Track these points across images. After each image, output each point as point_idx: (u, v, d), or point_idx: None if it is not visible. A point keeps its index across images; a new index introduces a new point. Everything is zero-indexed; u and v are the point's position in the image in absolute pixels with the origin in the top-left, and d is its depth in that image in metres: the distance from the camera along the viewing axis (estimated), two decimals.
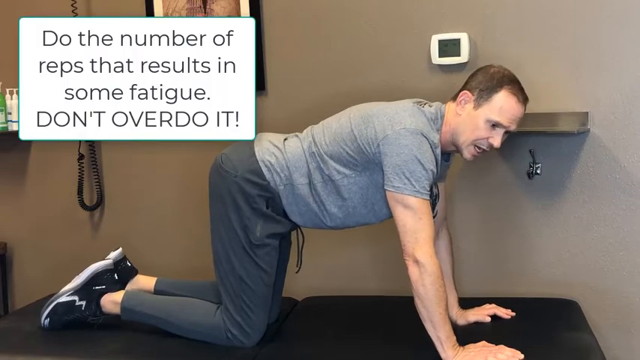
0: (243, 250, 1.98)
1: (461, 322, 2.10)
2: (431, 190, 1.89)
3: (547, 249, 2.47)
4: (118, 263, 2.25)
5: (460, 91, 1.97)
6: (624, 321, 2.41)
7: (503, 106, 1.91)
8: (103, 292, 2.16)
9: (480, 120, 1.91)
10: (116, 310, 2.13)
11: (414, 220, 1.82)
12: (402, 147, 1.83)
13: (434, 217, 1.97)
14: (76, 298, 2.14)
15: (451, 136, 1.95)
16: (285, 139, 2.06)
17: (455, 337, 1.84)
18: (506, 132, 1.95)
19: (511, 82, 1.93)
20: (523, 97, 1.95)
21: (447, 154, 2.05)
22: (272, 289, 2.05)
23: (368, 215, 2.01)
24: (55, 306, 2.13)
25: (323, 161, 1.96)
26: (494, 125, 1.92)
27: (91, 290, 2.15)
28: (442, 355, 1.82)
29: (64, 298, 2.14)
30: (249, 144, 2.07)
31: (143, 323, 2.12)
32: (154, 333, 2.08)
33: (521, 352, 1.82)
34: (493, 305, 2.14)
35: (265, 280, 2.01)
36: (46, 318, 2.14)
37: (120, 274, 2.22)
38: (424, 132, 1.86)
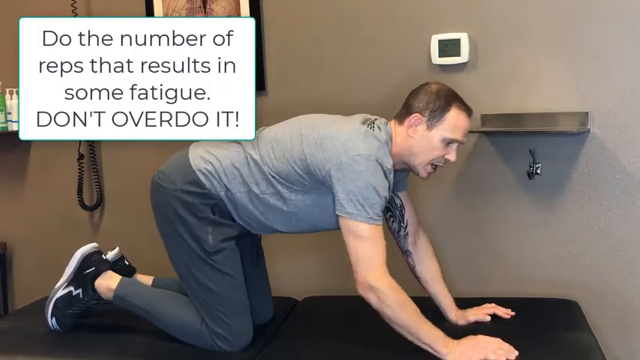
0: (201, 260, 1.96)
1: (461, 322, 2.10)
2: (388, 211, 1.94)
3: (547, 249, 2.47)
4: (116, 263, 2.24)
5: (406, 113, 1.97)
6: (624, 321, 2.42)
7: (456, 123, 1.94)
8: (95, 275, 2.14)
9: (435, 140, 1.94)
10: (109, 295, 2.12)
11: (366, 248, 1.82)
12: (356, 173, 1.82)
13: (405, 227, 2.02)
14: (71, 288, 2.14)
15: (403, 157, 1.96)
16: (223, 147, 2.03)
17: (442, 334, 1.83)
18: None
19: (456, 98, 1.97)
20: (469, 110, 1.99)
21: (401, 170, 2.04)
22: (245, 292, 2.02)
23: (311, 229, 2.03)
24: (54, 302, 2.13)
25: (269, 175, 1.94)
26: (450, 142, 1.95)
27: (82, 276, 2.14)
28: (439, 356, 1.82)
29: (60, 293, 2.14)
30: (183, 156, 2.05)
31: (131, 312, 2.11)
32: (153, 334, 2.08)
33: (521, 352, 1.82)
34: (493, 305, 2.14)
35: (233, 284, 1.99)
36: (51, 318, 2.13)
37: (118, 273, 2.22)
38: (378, 158, 1.86)
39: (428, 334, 1.82)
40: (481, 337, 1.85)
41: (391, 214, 2.10)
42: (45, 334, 2.12)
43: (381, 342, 1.99)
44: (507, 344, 1.82)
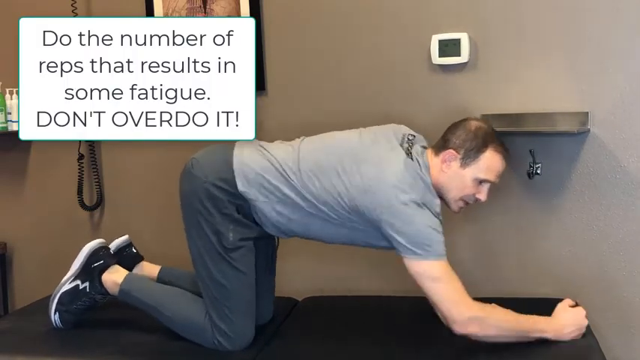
0: (218, 255, 1.97)
1: None
2: None
3: (547, 249, 2.47)
4: (123, 249, 2.25)
5: (443, 146, 1.97)
6: (624, 321, 2.41)
7: (490, 165, 1.94)
8: (102, 268, 2.15)
9: (467, 179, 1.94)
10: (115, 290, 2.13)
11: (447, 287, 1.83)
12: (410, 217, 1.83)
13: None
14: (78, 282, 2.14)
15: (437, 189, 1.96)
16: (268, 157, 2.01)
17: (538, 318, 1.88)
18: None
19: (494, 138, 1.97)
20: (507, 153, 1.99)
21: None
22: (254, 292, 2.02)
23: (348, 243, 2.05)
24: (60, 297, 2.13)
25: (313, 201, 1.94)
26: (482, 182, 1.95)
27: (90, 269, 2.15)
28: (552, 336, 1.87)
29: (66, 287, 2.14)
30: (225, 151, 2.04)
31: (136, 307, 2.12)
32: (154, 334, 2.08)
33: (521, 353, 1.84)
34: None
35: (245, 282, 1.99)
36: (54, 313, 2.13)
37: (125, 259, 2.23)
38: (426, 203, 1.87)
39: (525, 326, 1.85)
40: (566, 306, 1.95)
41: None
42: (45, 334, 2.12)
43: (380, 342, 2.00)
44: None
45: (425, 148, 2.02)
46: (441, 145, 1.99)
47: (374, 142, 1.99)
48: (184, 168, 2.06)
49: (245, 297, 2.00)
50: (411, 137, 2.00)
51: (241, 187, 1.96)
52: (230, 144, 2.08)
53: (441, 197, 1.97)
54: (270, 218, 1.98)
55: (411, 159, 1.92)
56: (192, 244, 2.03)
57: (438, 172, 1.95)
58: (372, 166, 1.92)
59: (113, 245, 2.27)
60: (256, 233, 2.02)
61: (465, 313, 1.81)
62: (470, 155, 1.93)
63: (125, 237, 2.27)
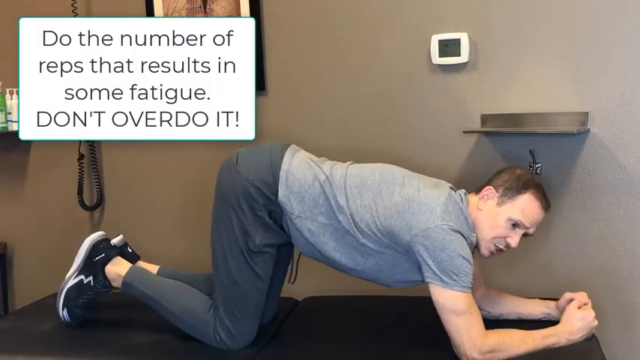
0: (240, 255, 1.96)
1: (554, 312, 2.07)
2: None
3: (547, 249, 2.47)
4: (119, 249, 2.25)
5: (484, 185, 1.96)
6: (624, 321, 2.41)
7: (526, 208, 1.90)
8: (105, 261, 2.15)
9: (501, 218, 1.90)
10: (119, 282, 2.13)
11: (464, 324, 1.80)
12: (445, 242, 1.80)
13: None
14: (82, 276, 2.14)
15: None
16: (317, 171, 1.97)
17: (544, 331, 1.86)
18: (524, 234, 1.93)
19: (537, 187, 1.93)
20: (546, 204, 1.94)
21: None
22: (264, 297, 2.02)
23: (370, 279, 2.02)
24: (66, 293, 2.13)
25: (350, 220, 1.91)
26: (515, 225, 1.90)
27: (93, 263, 2.14)
28: (563, 344, 1.85)
29: (71, 282, 2.14)
30: (276, 153, 2.00)
31: (138, 300, 2.12)
32: (155, 334, 2.08)
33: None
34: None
35: (259, 286, 1.99)
36: (62, 309, 2.12)
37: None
38: (463, 232, 1.84)
39: (537, 340, 1.83)
40: (575, 309, 1.91)
41: None
42: (45, 334, 2.12)
43: (380, 342, 2.00)
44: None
45: (467, 193, 2.00)
46: (482, 185, 1.97)
47: (420, 176, 2.00)
48: (228, 160, 2.01)
49: (255, 300, 2.00)
50: (453, 187, 1.99)
51: (282, 196, 1.94)
52: (280, 146, 2.03)
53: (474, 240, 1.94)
54: (301, 232, 1.96)
55: (454, 192, 1.93)
56: (216, 237, 2.01)
57: (475, 209, 1.93)
58: (414, 190, 1.90)
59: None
60: (282, 240, 2.01)
61: (480, 349, 1.79)
62: (507, 194, 1.91)
63: (120, 237, 2.27)
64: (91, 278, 2.14)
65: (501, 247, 1.93)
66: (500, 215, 1.90)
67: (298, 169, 1.96)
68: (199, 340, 2.02)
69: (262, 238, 1.95)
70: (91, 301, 2.16)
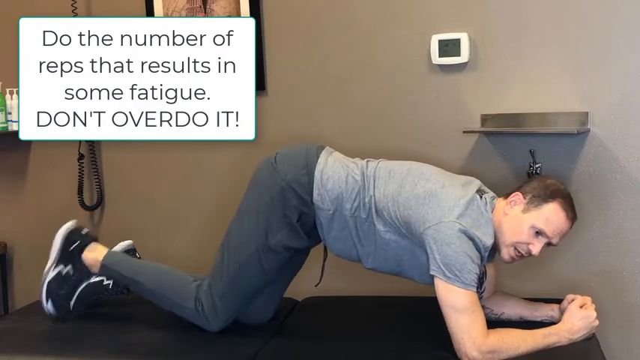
0: (255, 248, 1.99)
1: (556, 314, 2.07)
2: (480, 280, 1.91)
3: (547, 249, 2.47)
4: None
5: (514, 191, 1.96)
6: (624, 321, 2.42)
7: (550, 217, 1.89)
8: (81, 248, 2.16)
9: (524, 224, 1.90)
10: (97, 267, 2.14)
11: (465, 321, 1.80)
12: (452, 238, 1.82)
13: (481, 294, 1.98)
14: (60, 267, 2.15)
15: (494, 233, 1.92)
16: (351, 168, 2.02)
17: (544, 330, 1.87)
18: (547, 243, 1.93)
19: (564, 197, 1.93)
20: (572, 215, 1.93)
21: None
22: (256, 292, 2.07)
23: (397, 271, 2.02)
24: (47, 286, 2.13)
25: (374, 207, 1.95)
26: (538, 233, 1.90)
27: (69, 252, 2.16)
28: (564, 343, 1.86)
29: (50, 275, 2.15)
30: (313, 154, 2.04)
31: (117, 281, 2.14)
32: (154, 333, 2.08)
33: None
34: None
35: (260, 280, 2.04)
36: (47, 302, 2.13)
37: None
38: (474, 236, 1.84)
39: (537, 340, 1.84)
40: (576, 309, 1.92)
41: None
42: (45, 334, 2.12)
43: (380, 342, 2.00)
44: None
45: (495, 197, 2.01)
46: (512, 191, 1.97)
47: (452, 175, 2.02)
48: (267, 159, 2.06)
49: (250, 290, 2.04)
50: (484, 188, 2.00)
51: (316, 196, 1.97)
52: (315, 148, 2.07)
53: (495, 243, 1.93)
54: (333, 229, 1.99)
55: (480, 197, 1.93)
56: (239, 223, 2.04)
57: (500, 214, 1.93)
58: (438, 186, 1.93)
59: (117, 248, 2.27)
60: (301, 245, 2.04)
61: (480, 348, 1.79)
62: (534, 202, 1.91)
63: (129, 242, 2.27)
64: (69, 267, 2.15)
65: (523, 252, 1.92)
66: (524, 222, 1.90)
67: (332, 168, 2.01)
68: (199, 340, 2.02)
69: (283, 238, 1.99)
70: (72, 291, 2.15)
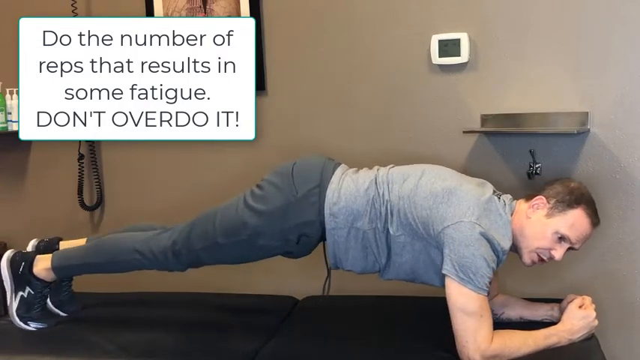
0: (242, 239, 1.97)
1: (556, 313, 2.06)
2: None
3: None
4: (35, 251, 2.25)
5: (535, 194, 1.94)
6: (624, 321, 2.42)
7: (575, 223, 1.88)
8: (28, 266, 2.15)
9: (548, 230, 1.88)
10: (51, 274, 2.15)
11: (473, 326, 1.79)
12: (470, 240, 1.79)
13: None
14: (20, 293, 2.14)
15: (514, 236, 1.91)
16: (362, 181, 1.98)
17: (545, 331, 1.86)
18: (570, 248, 1.92)
19: (588, 202, 1.92)
20: (596, 221, 1.93)
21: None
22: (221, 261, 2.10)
23: (409, 276, 2.00)
24: (18, 315, 2.13)
25: (389, 210, 1.92)
26: (561, 239, 1.89)
27: (20, 275, 2.15)
28: (564, 344, 1.86)
29: (15, 305, 2.14)
30: (328, 169, 2.01)
31: (77, 275, 2.16)
32: (152, 332, 2.08)
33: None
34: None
35: (229, 255, 2.04)
36: (27, 325, 2.13)
37: None
38: (493, 238, 1.82)
39: (538, 340, 1.84)
40: (576, 309, 1.92)
41: None
42: (45, 334, 2.12)
43: (380, 342, 2.00)
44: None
45: (513, 199, 1.99)
46: (534, 193, 1.96)
47: (466, 176, 2.01)
48: (288, 165, 2.03)
49: (215, 258, 2.06)
50: (499, 192, 1.98)
51: (328, 215, 1.93)
52: (332, 165, 2.05)
53: (516, 247, 1.92)
54: (349, 250, 1.97)
55: (498, 198, 1.92)
56: (239, 208, 2.00)
57: (522, 217, 1.91)
58: (456, 184, 1.91)
59: (30, 248, 2.27)
60: (291, 254, 2.03)
61: (483, 353, 1.78)
62: (558, 207, 1.89)
63: (31, 243, 2.28)
64: (28, 289, 2.15)
65: (545, 258, 1.92)
66: (548, 227, 1.88)
67: (345, 185, 1.96)
68: (199, 340, 2.02)
69: (273, 250, 2.00)
70: (44, 305, 2.17)
